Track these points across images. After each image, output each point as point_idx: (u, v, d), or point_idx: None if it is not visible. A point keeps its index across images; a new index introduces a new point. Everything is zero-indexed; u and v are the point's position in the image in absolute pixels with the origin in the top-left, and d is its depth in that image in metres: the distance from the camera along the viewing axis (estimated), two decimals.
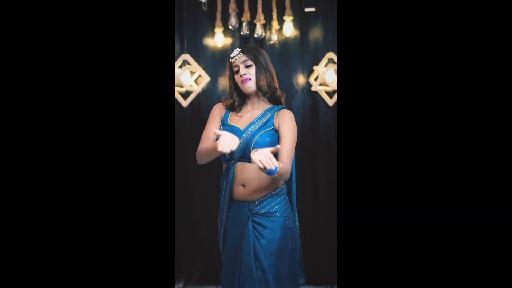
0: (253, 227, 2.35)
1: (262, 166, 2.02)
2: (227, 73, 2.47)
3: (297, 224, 2.50)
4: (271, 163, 2.02)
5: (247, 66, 2.39)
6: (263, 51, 2.45)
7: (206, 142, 2.42)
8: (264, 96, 2.44)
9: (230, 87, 2.48)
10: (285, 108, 2.46)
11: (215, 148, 2.16)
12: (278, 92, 2.45)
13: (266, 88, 2.40)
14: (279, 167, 2.14)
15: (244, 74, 2.37)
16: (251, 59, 2.39)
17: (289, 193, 2.50)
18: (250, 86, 2.39)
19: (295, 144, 2.38)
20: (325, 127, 3.84)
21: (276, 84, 2.45)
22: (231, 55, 2.41)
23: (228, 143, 2.11)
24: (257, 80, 2.39)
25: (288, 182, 2.50)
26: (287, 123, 2.38)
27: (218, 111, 2.52)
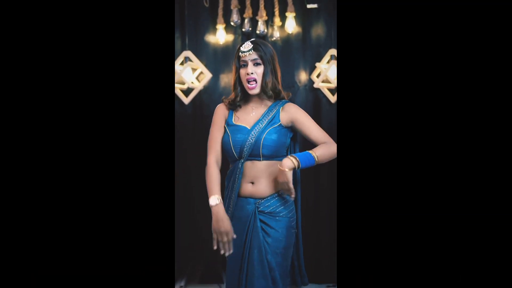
0: (261, 226, 2.36)
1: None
2: (234, 65, 2.44)
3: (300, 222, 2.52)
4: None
5: (256, 65, 2.37)
6: (272, 49, 2.42)
7: (213, 147, 2.44)
8: (267, 98, 2.43)
9: (234, 80, 2.45)
10: (288, 102, 2.45)
11: (210, 191, 2.35)
12: (283, 94, 2.44)
13: (270, 92, 2.38)
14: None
15: (252, 73, 2.35)
16: (261, 59, 2.36)
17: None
18: (255, 90, 2.37)
19: (316, 124, 2.42)
20: (328, 124, 3.84)
21: (280, 85, 2.44)
22: (242, 49, 2.37)
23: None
24: (263, 82, 2.37)
25: (295, 182, 2.47)
26: (298, 114, 2.40)
27: (221, 112, 2.50)
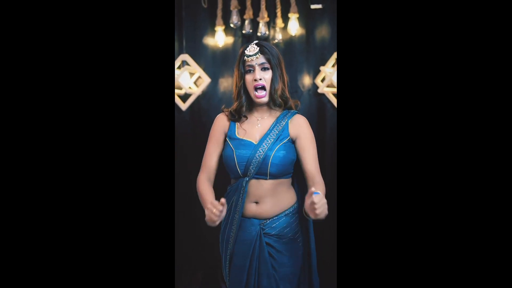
0: (268, 251, 2.26)
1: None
2: (236, 71, 2.32)
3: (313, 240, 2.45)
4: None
5: (264, 69, 2.25)
6: (278, 52, 2.32)
7: (206, 165, 2.38)
8: (275, 107, 2.32)
9: (237, 87, 2.33)
10: (297, 113, 2.34)
11: (205, 202, 2.19)
12: (291, 102, 2.33)
13: (279, 99, 2.28)
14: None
15: (260, 79, 2.23)
16: (269, 62, 2.25)
17: (300, 211, 2.40)
18: (264, 98, 2.26)
19: (316, 153, 2.31)
20: (332, 130, 3.79)
21: (287, 91, 2.34)
22: (247, 53, 2.26)
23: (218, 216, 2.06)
24: (272, 89, 2.26)
25: (300, 199, 2.40)
26: (305, 133, 2.29)
27: (219, 124, 2.40)
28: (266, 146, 2.22)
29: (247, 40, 3.83)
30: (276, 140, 2.24)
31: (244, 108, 2.32)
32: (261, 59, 2.24)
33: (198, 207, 3.84)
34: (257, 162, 2.21)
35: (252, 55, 2.24)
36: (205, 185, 2.35)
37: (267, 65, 2.25)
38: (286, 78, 2.33)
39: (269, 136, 2.25)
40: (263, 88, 2.25)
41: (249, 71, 2.26)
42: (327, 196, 3.75)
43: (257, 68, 2.24)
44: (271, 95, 2.27)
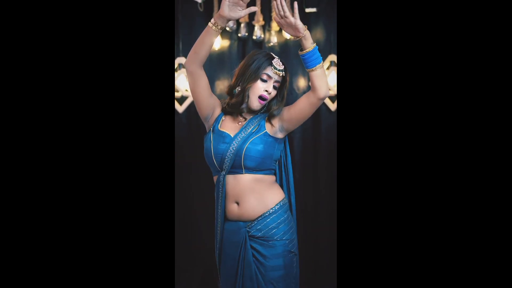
0: (252, 254, 2.26)
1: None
2: (250, 71, 2.29)
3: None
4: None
5: (274, 87, 2.31)
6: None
7: None
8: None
9: (246, 86, 2.30)
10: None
11: (207, 29, 2.17)
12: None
13: (268, 113, 2.36)
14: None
15: (269, 93, 2.29)
16: (282, 83, 2.33)
17: (290, 206, 2.43)
18: (260, 105, 2.32)
19: None
20: (327, 132, 3.86)
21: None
22: (275, 65, 2.28)
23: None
24: (270, 105, 2.35)
25: (288, 193, 2.43)
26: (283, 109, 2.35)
27: (217, 101, 2.43)
28: (240, 139, 2.26)
29: (242, 43, 3.87)
30: (251, 133, 2.28)
31: (245, 110, 2.33)
32: (280, 78, 2.30)
33: (197, 207, 3.93)
34: (231, 155, 2.24)
35: (279, 70, 2.28)
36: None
37: (278, 85, 2.31)
38: (284, 97, 2.38)
39: (244, 129, 2.30)
40: (265, 100, 2.30)
41: (264, 80, 2.28)
42: (325, 197, 3.84)
43: (271, 82, 2.29)
44: (267, 108, 2.36)
